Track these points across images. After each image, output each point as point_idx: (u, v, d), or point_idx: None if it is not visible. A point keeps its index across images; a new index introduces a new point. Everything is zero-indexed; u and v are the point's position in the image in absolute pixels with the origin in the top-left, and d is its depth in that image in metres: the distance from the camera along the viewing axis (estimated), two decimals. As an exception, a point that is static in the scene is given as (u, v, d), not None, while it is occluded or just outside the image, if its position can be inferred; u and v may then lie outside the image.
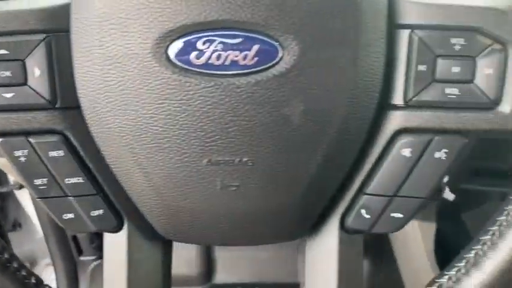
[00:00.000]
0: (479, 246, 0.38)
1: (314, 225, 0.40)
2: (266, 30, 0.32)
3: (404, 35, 0.34)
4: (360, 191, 0.38)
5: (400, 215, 0.37)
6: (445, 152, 0.35)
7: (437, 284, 0.39)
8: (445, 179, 0.58)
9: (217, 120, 0.33)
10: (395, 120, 0.35)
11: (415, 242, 1.04)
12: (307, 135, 0.34)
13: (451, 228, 0.95)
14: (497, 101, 0.34)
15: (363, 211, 0.38)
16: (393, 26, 0.34)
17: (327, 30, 0.32)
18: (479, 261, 0.37)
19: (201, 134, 0.34)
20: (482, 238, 0.38)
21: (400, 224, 0.38)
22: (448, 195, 0.60)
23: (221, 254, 1.17)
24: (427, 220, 0.99)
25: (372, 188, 0.37)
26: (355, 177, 0.38)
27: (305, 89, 0.33)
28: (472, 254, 0.38)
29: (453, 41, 0.33)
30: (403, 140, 0.36)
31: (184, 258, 1.16)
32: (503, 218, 0.37)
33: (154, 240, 0.42)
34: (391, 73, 0.35)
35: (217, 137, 0.34)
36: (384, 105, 0.35)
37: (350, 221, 0.38)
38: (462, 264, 0.38)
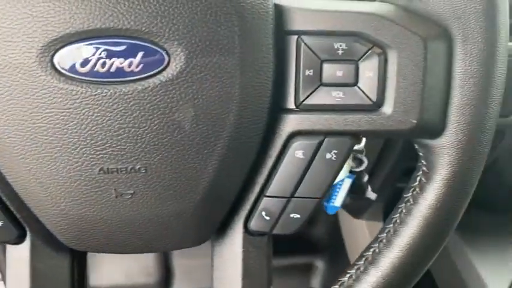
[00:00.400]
0: (376, 244, 0.39)
1: (219, 229, 0.40)
2: (150, 37, 0.32)
3: (292, 41, 0.35)
4: (261, 193, 0.38)
5: (298, 216, 0.38)
6: (335, 153, 0.36)
7: (339, 283, 0.40)
8: (365, 178, 0.59)
9: (106, 128, 0.33)
10: (288, 123, 0.36)
11: (364, 240, 1.07)
12: (200, 141, 0.34)
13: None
14: (379, 103, 0.35)
15: (264, 213, 0.38)
16: (281, 33, 0.35)
17: (212, 37, 0.33)
18: (375, 259, 0.39)
19: (91, 142, 0.33)
20: (380, 236, 0.39)
21: (299, 225, 0.39)
22: (370, 194, 0.61)
23: (179, 262, 1.16)
24: (374, 220, 1.02)
25: (270, 190, 0.38)
26: (255, 180, 0.38)
27: (194, 94, 0.33)
28: (370, 252, 0.39)
29: (336, 45, 0.35)
30: (297, 142, 0.37)
31: (141, 267, 1.14)
32: (397, 215, 0.39)
33: (60, 251, 0.41)
34: (282, 78, 0.36)
35: (107, 145, 0.34)
36: (278, 109, 0.36)
37: (252, 224, 0.39)
38: (361, 262, 0.39)
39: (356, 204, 0.91)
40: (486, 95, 0.35)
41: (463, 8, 0.34)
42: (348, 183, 0.56)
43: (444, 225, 0.37)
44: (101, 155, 0.34)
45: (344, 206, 1.01)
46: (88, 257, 0.45)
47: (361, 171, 0.56)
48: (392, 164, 0.78)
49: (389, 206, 0.98)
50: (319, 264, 1.21)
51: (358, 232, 1.08)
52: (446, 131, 0.35)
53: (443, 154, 0.36)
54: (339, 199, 0.56)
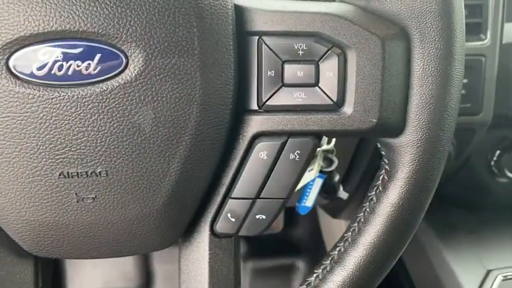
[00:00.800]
0: (341, 243, 0.39)
1: (186, 232, 0.40)
2: (107, 39, 0.32)
3: (253, 42, 0.35)
4: (226, 195, 0.38)
5: (263, 217, 0.38)
6: (298, 153, 0.36)
7: (306, 283, 0.40)
8: (337, 178, 0.60)
9: (65, 132, 0.33)
10: (252, 124, 0.36)
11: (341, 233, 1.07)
12: (161, 143, 0.34)
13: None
14: (339, 103, 0.35)
15: (229, 215, 0.38)
16: (242, 34, 0.35)
17: (170, 38, 0.32)
18: (341, 258, 0.39)
19: (50, 146, 0.33)
20: (345, 235, 0.39)
21: (265, 226, 0.39)
22: (342, 194, 0.62)
23: (159, 266, 1.15)
24: (351, 218, 1.03)
25: (235, 192, 0.38)
26: (220, 182, 0.38)
27: (153, 97, 0.33)
28: (336, 252, 0.39)
29: (296, 46, 0.35)
30: (261, 143, 0.37)
31: (121, 272, 1.13)
32: (361, 214, 0.39)
33: (24, 258, 0.40)
34: (244, 79, 0.36)
35: (66, 149, 0.33)
36: (241, 110, 0.36)
37: (218, 226, 0.39)
38: (328, 262, 0.39)
39: (333, 204, 0.91)
40: (445, 94, 0.35)
41: (420, 8, 0.34)
42: (319, 183, 0.57)
43: (407, 222, 0.38)
44: (60, 159, 0.33)
45: (322, 206, 1.02)
46: (66, 263, 0.45)
47: (332, 171, 0.57)
48: (367, 163, 0.79)
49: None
50: (300, 265, 1.22)
51: (337, 232, 1.09)
52: (406, 129, 0.36)
53: (404, 153, 0.36)
54: (310, 199, 0.57)
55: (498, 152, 0.74)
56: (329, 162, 0.55)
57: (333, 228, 1.11)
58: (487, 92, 0.66)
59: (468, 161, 0.76)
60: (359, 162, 0.80)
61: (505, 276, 0.71)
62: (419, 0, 0.34)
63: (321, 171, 0.55)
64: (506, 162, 0.74)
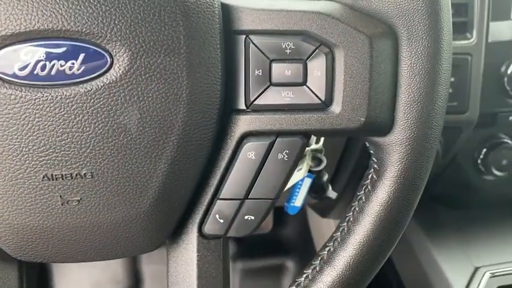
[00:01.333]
0: (331, 243, 0.39)
1: (173, 234, 0.39)
2: (92, 38, 0.31)
3: (240, 40, 0.35)
4: (214, 196, 0.38)
5: (252, 217, 0.38)
6: (287, 153, 0.36)
7: (296, 284, 0.40)
8: (326, 178, 0.60)
9: (48, 133, 0.32)
10: (239, 124, 0.36)
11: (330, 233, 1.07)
12: (147, 144, 0.33)
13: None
14: (328, 102, 0.35)
15: (217, 216, 0.38)
16: (229, 32, 0.35)
17: (156, 37, 0.32)
18: (330, 258, 0.38)
19: (34, 148, 0.32)
20: (334, 235, 0.39)
21: (254, 226, 0.38)
22: (331, 193, 0.62)
23: (147, 268, 1.14)
24: (340, 217, 1.03)
25: (224, 192, 0.37)
26: (208, 183, 0.38)
27: (139, 97, 0.32)
28: (325, 252, 0.39)
29: (284, 45, 0.34)
30: (249, 143, 0.36)
31: (110, 274, 1.12)
32: (350, 214, 0.39)
33: (7, 262, 0.39)
34: (231, 78, 0.35)
35: (50, 150, 0.32)
36: (228, 110, 0.36)
37: (207, 227, 0.38)
38: (317, 262, 0.39)
39: (322, 203, 0.91)
40: (432, 92, 0.35)
41: (407, 7, 0.34)
42: (308, 182, 0.56)
43: (396, 221, 0.38)
44: (44, 161, 0.33)
45: (311, 205, 1.02)
46: (53, 266, 0.44)
47: (320, 171, 0.57)
48: (355, 162, 0.79)
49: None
50: (290, 265, 1.22)
51: (326, 231, 1.09)
52: (395, 128, 0.36)
53: (393, 151, 0.36)
54: (299, 199, 0.56)
55: (484, 150, 0.75)
56: (318, 161, 0.55)
57: (322, 227, 1.11)
58: (473, 91, 0.66)
59: (455, 159, 0.76)
60: (347, 161, 0.80)
61: (493, 273, 0.72)
62: None
63: (309, 171, 0.55)
64: (493, 160, 0.74)
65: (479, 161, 0.77)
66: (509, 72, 0.68)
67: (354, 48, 0.34)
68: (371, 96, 0.34)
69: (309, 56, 0.35)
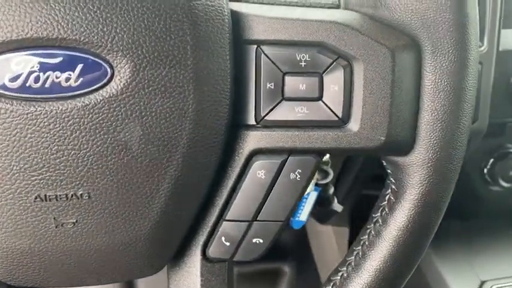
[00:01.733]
0: (344, 268, 0.37)
1: (175, 255, 0.37)
2: (90, 48, 0.28)
3: (251, 51, 0.32)
4: (220, 217, 0.35)
5: (260, 240, 0.35)
6: (299, 173, 0.34)
7: None
8: (331, 191, 0.57)
9: (42, 151, 0.29)
10: (249, 140, 0.33)
11: (330, 245, 1.06)
12: (149, 162, 0.31)
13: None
14: (345, 119, 0.33)
15: (223, 238, 0.35)
16: (239, 42, 0.32)
17: (161, 47, 0.29)
18: (344, 285, 0.36)
19: (25, 167, 0.29)
20: (348, 259, 0.37)
21: (262, 250, 0.36)
22: (337, 207, 0.59)
23: (143, 279, 1.10)
24: (340, 225, 1.01)
25: (230, 213, 0.35)
26: (214, 203, 0.35)
27: (141, 111, 0.30)
28: (338, 277, 0.37)
29: (298, 57, 0.32)
30: (258, 161, 0.34)
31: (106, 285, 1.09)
32: (365, 237, 0.36)
33: None
34: (241, 92, 0.33)
35: (44, 169, 0.30)
36: (237, 126, 0.33)
37: (211, 250, 0.36)
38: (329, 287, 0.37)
39: (322, 210, 0.89)
40: (457, 110, 0.33)
41: (433, 18, 0.32)
42: (314, 196, 0.54)
43: (416, 247, 0.35)
44: (36, 181, 0.30)
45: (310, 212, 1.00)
46: None
47: (327, 184, 0.54)
48: (357, 172, 0.77)
49: (354, 211, 0.97)
50: (287, 270, 1.20)
51: (324, 237, 1.07)
52: (416, 148, 0.33)
53: (413, 172, 0.34)
54: (304, 213, 0.54)
55: (492, 160, 0.73)
56: (324, 174, 0.52)
57: (319, 233, 1.09)
58: (483, 100, 0.64)
59: (463, 168, 0.74)
60: (349, 169, 0.78)
61: (500, 287, 0.70)
62: (432, 10, 0.32)
63: (316, 184, 0.53)
64: (500, 170, 0.72)
65: (485, 171, 0.75)
66: (519, 82, 0.66)
67: (374, 61, 0.31)
68: (392, 113, 0.32)
69: (326, 69, 0.32)
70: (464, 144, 0.34)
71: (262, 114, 0.33)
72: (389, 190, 0.36)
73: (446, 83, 0.32)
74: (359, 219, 0.97)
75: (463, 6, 0.32)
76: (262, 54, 0.32)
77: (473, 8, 0.32)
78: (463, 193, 0.80)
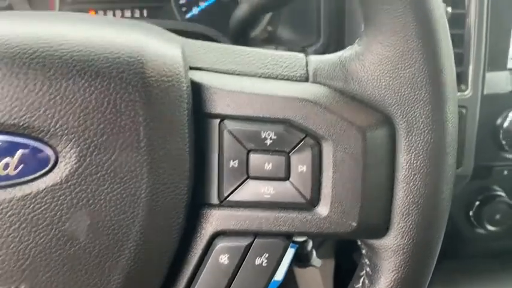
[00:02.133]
0: None
1: None
2: (31, 132, 0.26)
3: (213, 125, 0.30)
4: None
5: None
6: (266, 257, 0.31)
7: None
8: (310, 246, 0.55)
9: None
10: (210, 221, 0.31)
11: (314, 277, 1.03)
12: (99, 253, 0.28)
13: (348, 264, 0.96)
14: (314, 202, 0.30)
15: None
16: (200, 116, 0.30)
17: (110, 129, 0.27)
18: None
19: None
20: None
21: None
22: (316, 262, 0.56)
23: None
24: (325, 257, 0.98)
25: None
26: None
27: (89, 199, 0.27)
28: None
29: (264, 134, 0.30)
30: (221, 244, 0.31)
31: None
32: (359, 285, 0.34)
33: None
34: (202, 169, 0.30)
35: None
36: (198, 205, 0.31)
37: None
38: None
39: (300, 266, 0.87)
40: (435, 193, 0.30)
41: (407, 95, 0.29)
42: (290, 254, 0.51)
43: None
44: None
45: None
46: None
47: (305, 240, 0.52)
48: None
49: (340, 243, 0.94)
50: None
51: (311, 276, 1.05)
52: (391, 232, 0.31)
53: (389, 257, 0.31)
54: (280, 273, 0.51)
55: (477, 203, 0.71)
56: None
57: (306, 272, 1.07)
58: (468, 146, 0.62)
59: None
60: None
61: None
62: (407, 86, 0.29)
63: (292, 241, 0.50)
64: (486, 214, 0.70)
65: (471, 214, 0.73)
66: (505, 125, 0.64)
67: (344, 142, 0.29)
68: (364, 197, 0.30)
69: (293, 149, 0.30)
70: (443, 224, 0.32)
71: (226, 194, 0.30)
72: (364, 272, 0.33)
73: (422, 165, 0.30)
74: (344, 249, 0.94)
75: (441, 83, 0.29)
76: (225, 130, 0.30)
77: (452, 82, 0.30)
78: (447, 234, 0.77)
